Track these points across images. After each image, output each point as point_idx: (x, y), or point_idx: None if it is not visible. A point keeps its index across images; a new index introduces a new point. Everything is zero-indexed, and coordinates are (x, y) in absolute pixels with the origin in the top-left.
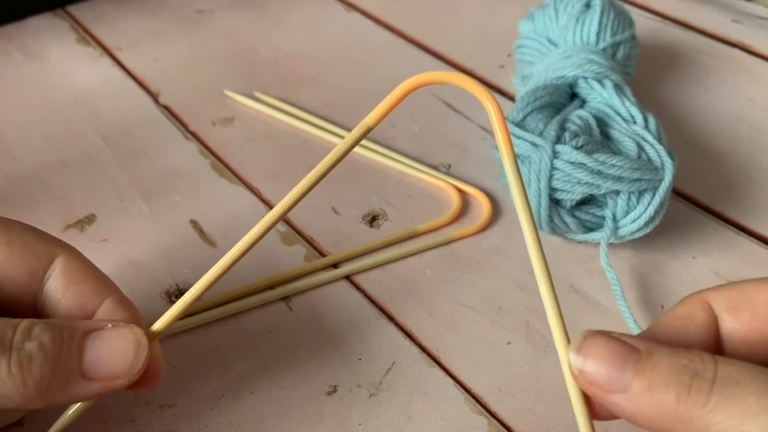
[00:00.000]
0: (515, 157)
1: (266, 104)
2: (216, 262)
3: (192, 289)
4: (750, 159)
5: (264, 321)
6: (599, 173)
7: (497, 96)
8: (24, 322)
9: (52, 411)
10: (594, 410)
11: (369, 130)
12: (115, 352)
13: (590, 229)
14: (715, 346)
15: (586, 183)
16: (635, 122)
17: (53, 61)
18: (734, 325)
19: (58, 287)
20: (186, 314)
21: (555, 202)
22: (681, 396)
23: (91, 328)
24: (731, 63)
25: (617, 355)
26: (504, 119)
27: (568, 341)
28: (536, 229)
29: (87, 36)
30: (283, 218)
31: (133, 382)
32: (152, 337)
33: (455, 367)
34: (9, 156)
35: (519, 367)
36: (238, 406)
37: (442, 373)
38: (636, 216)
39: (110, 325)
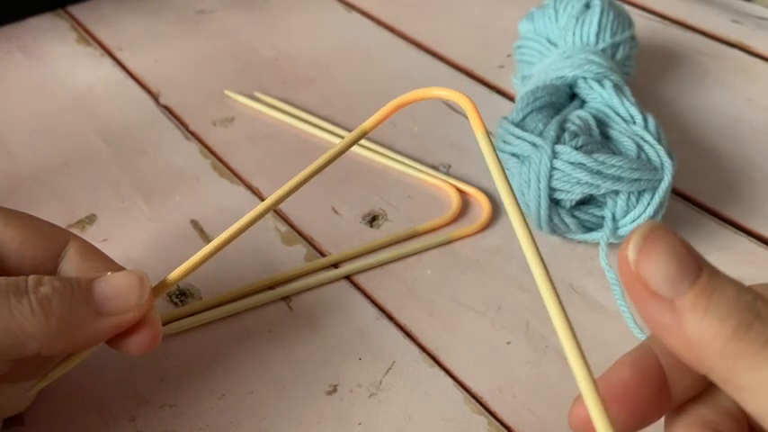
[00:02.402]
0: (487, 131)
1: (266, 104)
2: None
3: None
4: (749, 159)
5: (264, 321)
6: (598, 173)
7: (497, 96)
8: (33, 276)
9: (53, 412)
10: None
11: (364, 133)
12: (122, 288)
13: (590, 229)
14: None
15: (586, 183)
16: (634, 122)
17: (53, 61)
18: None
19: (73, 265)
20: (186, 314)
21: (555, 202)
22: (738, 332)
23: (94, 276)
24: (730, 63)
25: (683, 260)
26: (476, 107)
27: (574, 334)
28: (520, 206)
29: (88, 36)
30: (276, 209)
31: (136, 333)
32: (154, 293)
33: (455, 367)
34: (9, 156)
35: (519, 367)
36: (238, 406)
37: (441, 373)
38: (635, 216)
39: (110, 273)
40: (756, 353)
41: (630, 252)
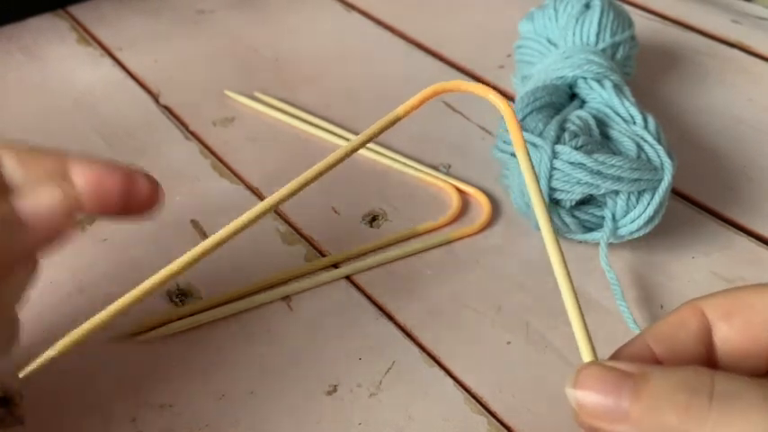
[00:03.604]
0: (527, 151)
1: (266, 105)
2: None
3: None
4: (749, 159)
5: (264, 321)
6: (598, 173)
7: None
8: None
9: (53, 412)
10: None
11: (398, 119)
12: (42, 196)
13: (590, 229)
14: (707, 354)
15: (586, 183)
16: (634, 123)
17: (54, 62)
18: (728, 333)
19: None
20: (186, 314)
21: (554, 202)
22: (680, 415)
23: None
24: (730, 63)
25: (612, 384)
26: (518, 121)
27: (592, 344)
28: (551, 222)
29: (88, 36)
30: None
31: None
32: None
33: (455, 367)
34: None
35: (519, 367)
36: (238, 406)
37: (441, 373)
38: (635, 216)
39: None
40: (703, 425)
41: (573, 403)
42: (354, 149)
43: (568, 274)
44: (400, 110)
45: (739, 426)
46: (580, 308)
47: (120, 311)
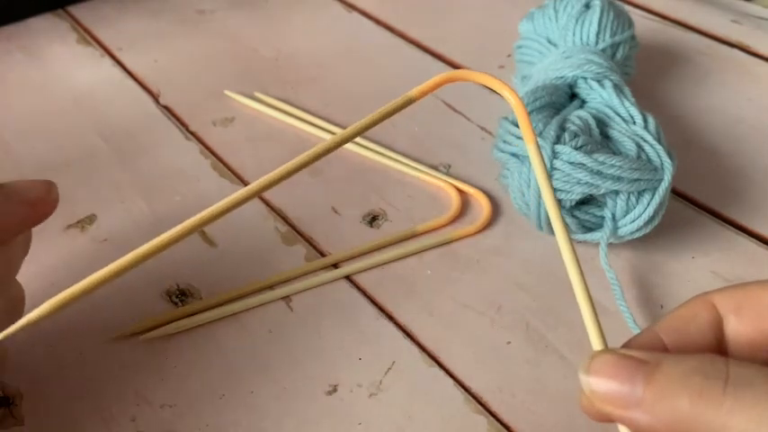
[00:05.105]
0: (537, 143)
1: (266, 105)
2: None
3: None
4: (749, 159)
5: (264, 321)
6: (598, 173)
7: (497, 97)
8: None
9: (53, 412)
10: None
11: (411, 101)
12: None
13: (590, 229)
14: (718, 347)
15: (586, 183)
16: (634, 123)
17: (54, 62)
18: (739, 326)
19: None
20: (186, 314)
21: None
22: (693, 399)
23: None
24: (730, 63)
25: (626, 370)
26: (527, 113)
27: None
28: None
29: (88, 36)
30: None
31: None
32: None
33: (455, 367)
34: (9, 156)
35: (519, 367)
36: (238, 406)
37: (441, 373)
38: (635, 216)
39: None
40: (717, 409)
41: (586, 390)
42: (366, 128)
43: (578, 261)
44: (414, 92)
45: (754, 412)
46: (590, 295)
47: (139, 261)
